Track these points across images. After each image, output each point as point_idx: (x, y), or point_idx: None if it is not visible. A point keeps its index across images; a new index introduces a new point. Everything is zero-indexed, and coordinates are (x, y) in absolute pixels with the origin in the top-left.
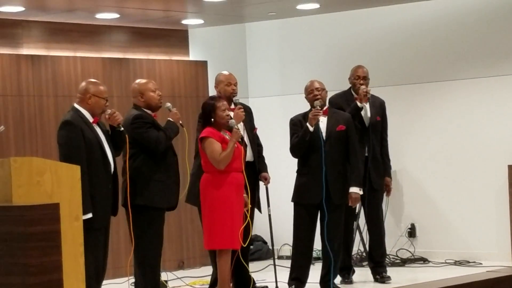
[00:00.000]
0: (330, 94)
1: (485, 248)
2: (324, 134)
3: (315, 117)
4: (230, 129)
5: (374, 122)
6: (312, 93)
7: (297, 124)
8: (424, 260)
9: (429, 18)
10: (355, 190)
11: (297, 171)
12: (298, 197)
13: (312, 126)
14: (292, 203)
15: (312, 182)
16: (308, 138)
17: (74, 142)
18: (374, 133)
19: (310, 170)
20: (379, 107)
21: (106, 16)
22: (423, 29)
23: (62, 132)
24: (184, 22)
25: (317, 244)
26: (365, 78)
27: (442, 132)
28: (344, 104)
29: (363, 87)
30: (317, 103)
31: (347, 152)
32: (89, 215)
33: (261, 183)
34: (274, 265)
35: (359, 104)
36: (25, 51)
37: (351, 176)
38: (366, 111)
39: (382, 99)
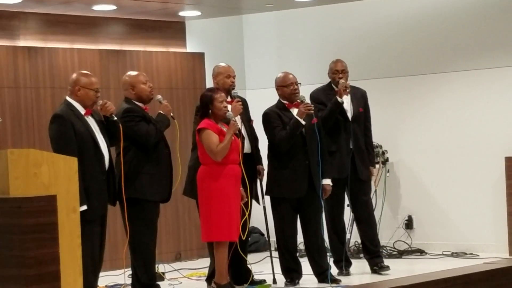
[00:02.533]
0: None
1: (482, 240)
2: (303, 128)
3: (308, 111)
4: (227, 121)
5: (357, 114)
6: (292, 87)
7: (276, 117)
8: (421, 252)
9: (425, 10)
10: (327, 182)
11: (276, 165)
12: (283, 191)
13: (302, 120)
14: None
15: (296, 176)
16: (299, 131)
17: (64, 135)
18: (358, 124)
19: (294, 164)
20: (360, 98)
21: (103, 8)
22: (419, 21)
23: (52, 126)
24: (181, 14)
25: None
26: (344, 72)
27: (438, 124)
28: (325, 98)
29: (342, 81)
30: (302, 97)
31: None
32: (84, 207)
33: None
34: (271, 257)
35: (339, 99)
36: (22, 43)
37: (323, 168)
38: (348, 104)
39: (364, 89)
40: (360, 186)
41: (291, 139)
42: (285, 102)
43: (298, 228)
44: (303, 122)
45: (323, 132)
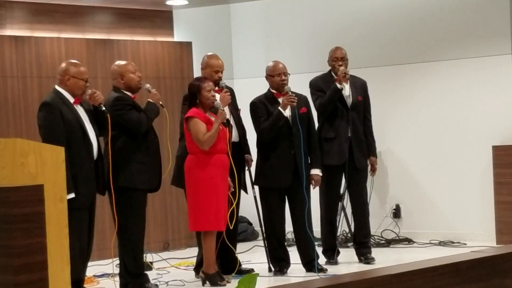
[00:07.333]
0: (314, 76)
1: (469, 228)
2: (289, 118)
3: (291, 103)
4: (215, 110)
5: (356, 102)
6: (280, 77)
7: (262, 107)
8: (408, 241)
9: None
10: (316, 172)
11: (262, 155)
12: (269, 181)
13: (285, 111)
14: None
15: (281, 166)
16: (282, 123)
17: (52, 123)
18: (356, 113)
19: (280, 154)
20: (360, 87)
21: None
22: (408, 10)
23: (41, 113)
24: (168, 3)
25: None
26: (344, 59)
27: (426, 113)
28: (324, 86)
29: (341, 68)
30: (288, 88)
31: (308, 134)
32: (72, 195)
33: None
34: (265, 246)
35: (338, 85)
36: (9, 32)
37: (312, 158)
38: (347, 91)
39: (364, 79)
40: (356, 175)
41: (273, 130)
42: (274, 91)
43: (287, 217)
44: (286, 114)
45: (322, 119)
